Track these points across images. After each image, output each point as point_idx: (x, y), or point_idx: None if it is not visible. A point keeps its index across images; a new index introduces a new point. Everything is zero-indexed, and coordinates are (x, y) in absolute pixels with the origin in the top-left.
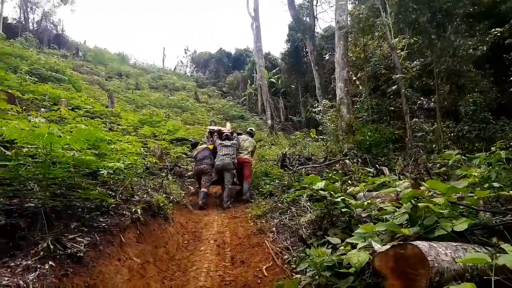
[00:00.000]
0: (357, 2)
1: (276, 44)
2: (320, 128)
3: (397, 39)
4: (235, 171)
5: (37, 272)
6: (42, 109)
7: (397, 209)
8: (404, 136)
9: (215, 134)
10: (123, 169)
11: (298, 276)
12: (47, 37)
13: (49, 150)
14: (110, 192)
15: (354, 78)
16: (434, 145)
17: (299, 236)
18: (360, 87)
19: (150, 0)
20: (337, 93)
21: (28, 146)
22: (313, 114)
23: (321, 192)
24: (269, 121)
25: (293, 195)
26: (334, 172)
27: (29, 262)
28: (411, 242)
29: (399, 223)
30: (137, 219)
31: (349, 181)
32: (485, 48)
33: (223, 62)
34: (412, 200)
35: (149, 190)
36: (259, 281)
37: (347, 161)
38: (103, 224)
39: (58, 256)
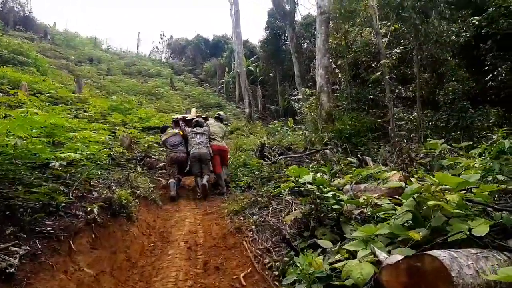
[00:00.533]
0: None
1: (255, 32)
2: (298, 118)
3: (380, 24)
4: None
5: None
6: None
7: (394, 206)
8: (383, 125)
9: (182, 122)
10: (80, 160)
11: None
12: (13, 19)
13: None
14: (63, 189)
15: (334, 66)
16: (413, 134)
17: (282, 236)
18: (340, 75)
19: None
20: (317, 80)
21: None
22: (292, 103)
23: (309, 186)
24: (247, 110)
25: (277, 190)
26: (315, 163)
27: None
28: (429, 253)
29: (401, 223)
30: (93, 220)
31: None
32: (468, 35)
33: (200, 49)
34: (415, 196)
35: (112, 184)
36: None
37: (327, 151)
38: (49, 228)
39: None
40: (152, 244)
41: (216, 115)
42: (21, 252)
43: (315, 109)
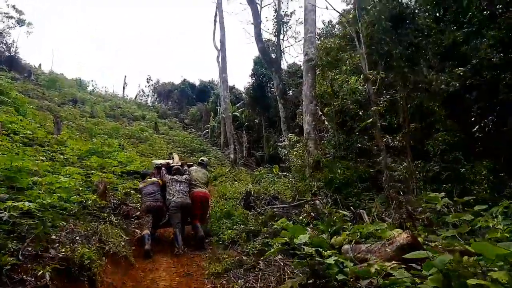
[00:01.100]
0: (323, 38)
1: (241, 78)
2: (284, 164)
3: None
4: None
5: None
6: None
7: (414, 277)
8: (373, 175)
9: (163, 169)
10: (40, 209)
11: None
12: None
13: None
14: (12, 246)
15: (320, 113)
16: (403, 186)
17: None
18: (326, 123)
19: (113, 28)
20: (304, 127)
21: None
22: (278, 149)
23: (306, 248)
24: (232, 155)
25: (267, 253)
26: (304, 215)
27: None
28: None
29: None
30: (45, 287)
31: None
32: (457, 84)
33: (186, 94)
34: (443, 269)
35: (77, 238)
36: None
37: (317, 201)
38: None
39: None
40: None
41: (199, 161)
42: None
43: (301, 156)
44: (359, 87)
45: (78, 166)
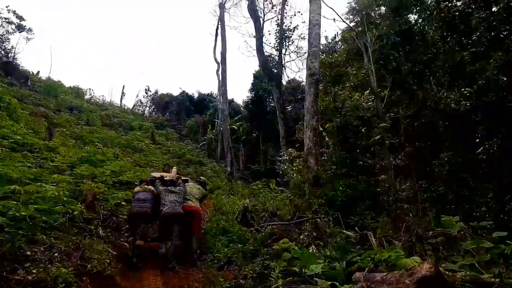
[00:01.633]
0: (325, 54)
1: (240, 92)
2: (280, 179)
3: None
4: None
5: None
6: None
7: None
8: (375, 194)
9: (158, 181)
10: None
11: None
12: None
13: None
14: None
15: (321, 129)
16: (408, 206)
17: None
18: (327, 139)
19: (114, 37)
20: (305, 142)
21: None
22: (275, 164)
23: (320, 281)
24: (229, 168)
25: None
26: (305, 234)
27: None
28: None
29: None
30: None
31: (326, 248)
32: (468, 104)
33: (184, 105)
34: None
35: (56, 255)
36: None
37: (318, 220)
38: None
39: None
40: None
41: (197, 179)
42: None
43: (301, 171)
44: (363, 103)
45: (68, 174)
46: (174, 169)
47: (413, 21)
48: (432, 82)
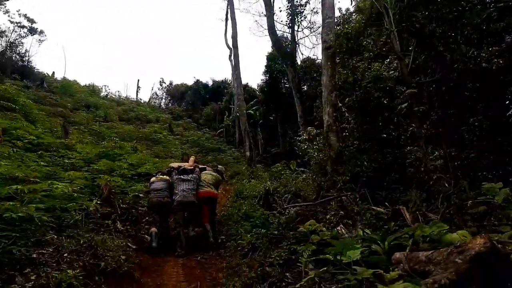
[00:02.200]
0: (340, 26)
1: (254, 76)
2: (302, 160)
3: (390, 60)
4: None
5: None
6: None
7: None
8: (401, 167)
9: (174, 171)
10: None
11: None
12: (11, 68)
13: None
14: None
15: (340, 104)
16: (439, 176)
17: None
18: (347, 114)
19: (125, 34)
20: (325, 119)
21: None
22: (294, 145)
23: (359, 269)
24: (248, 153)
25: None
26: (332, 213)
27: None
28: None
29: None
30: None
31: (355, 226)
32: (501, 62)
33: (200, 94)
34: None
35: (65, 255)
36: None
37: (344, 197)
38: None
39: None
40: None
41: (215, 167)
42: None
43: (322, 150)
44: (384, 73)
45: (85, 170)
46: (192, 158)
47: None
48: (461, 41)
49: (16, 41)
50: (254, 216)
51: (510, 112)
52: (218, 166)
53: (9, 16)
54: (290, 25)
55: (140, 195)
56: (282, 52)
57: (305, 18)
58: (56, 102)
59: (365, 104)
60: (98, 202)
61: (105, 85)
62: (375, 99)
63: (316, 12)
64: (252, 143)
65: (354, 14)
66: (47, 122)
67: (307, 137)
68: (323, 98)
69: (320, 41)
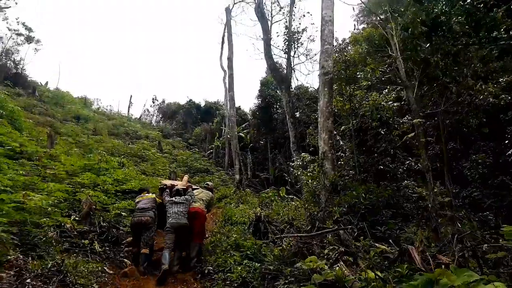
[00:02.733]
0: (337, 53)
1: (246, 100)
2: (291, 187)
3: (388, 90)
4: None
5: None
6: None
7: None
8: (399, 201)
9: (166, 190)
10: None
11: None
12: (4, 74)
13: None
14: None
15: (335, 132)
16: (449, 214)
17: None
18: (341, 142)
19: (121, 48)
20: (320, 145)
21: None
22: (285, 171)
23: None
24: (237, 176)
25: None
26: (330, 248)
27: None
28: None
29: None
30: None
31: (357, 265)
32: (510, 98)
33: (191, 114)
34: None
35: (27, 282)
36: None
37: (341, 231)
38: None
39: None
40: None
41: (204, 184)
42: None
43: (316, 177)
44: (383, 102)
45: (67, 182)
46: (185, 178)
47: (438, 12)
48: (468, 74)
49: (12, 48)
50: (245, 245)
51: (510, 152)
52: (209, 183)
53: (7, 23)
54: (287, 50)
55: (123, 213)
56: (277, 76)
57: (301, 44)
58: (46, 112)
59: (362, 134)
60: (76, 218)
61: (97, 99)
62: (372, 129)
63: (313, 40)
64: (242, 166)
65: (349, 45)
66: (34, 130)
67: (300, 163)
68: (319, 124)
69: (316, 68)
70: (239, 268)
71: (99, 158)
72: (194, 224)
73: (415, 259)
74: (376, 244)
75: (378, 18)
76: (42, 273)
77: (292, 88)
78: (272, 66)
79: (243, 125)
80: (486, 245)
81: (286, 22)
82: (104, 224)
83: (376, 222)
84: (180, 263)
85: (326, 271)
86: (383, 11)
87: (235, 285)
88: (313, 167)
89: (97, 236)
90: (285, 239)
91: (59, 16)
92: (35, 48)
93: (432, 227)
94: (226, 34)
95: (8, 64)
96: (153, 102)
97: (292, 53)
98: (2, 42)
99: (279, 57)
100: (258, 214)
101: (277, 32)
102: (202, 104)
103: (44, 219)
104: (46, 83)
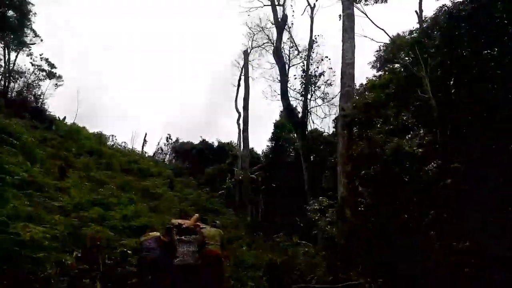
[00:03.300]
0: (357, 95)
1: (258, 142)
2: (304, 233)
3: (412, 136)
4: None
5: None
6: None
7: None
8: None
9: (174, 229)
10: None
11: None
12: (24, 108)
13: None
14: None
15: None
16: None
17: None
18: (360, 188)
19: (137, 86)
20: (339, 190)
21: None
22: (298, 216)
23: None
24: (249, 218)
25: None
26: None
27: None
28: None
29: None
30: None
31: None
32: None
33: (204, 153)
34: None
35: None
36: None
37: (367, 285)
38: None
39: None
40: None
41: (212, 223)
42: None
43: (336, 223)
44: (406, 148)
45: (74, 216)
46: (195, 216)
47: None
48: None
49: (34, 83)
50: None
51: None
52: (216, 221)
53: (31, 58)
54: (303, 93)
55: (129, 252)
56: (293, 118)
57: (318, 88)
58: (60, 146)
59: (384, 179)
60: (79, 255)
61: (112, 135)
62: (395, 175)
63: (330, 84)
64: (253, 209)
65: (366, 91)
66: (47, 163)
67: (318, 208)
68: (338, 168)
69: (332, 112)
70: None
71: (109, 193)
72: (214, 268)
73: None
74: None
75: (406, 58)
76: None
77: (307, 131)
78: (288, 109)
79: (255, 167)
80: None
81: (304, 65)
82: (109, 262)
83: (402, 278)
84: None
85: None
86: (407, 54)
87: None
88: (331, 212)
89: (100, 275)
90: None
91: (80, 50)
92: (56, 83)
93: None
94: (243, 75)
95: (28, 98)
96: (167, 141)
97: (308, 96)
98: (25, 77)
99: (295, 100)
100: (273, 261)
101: (294, 75)
102: (215, 144)
103: (42, 254)
104: (64, 118)
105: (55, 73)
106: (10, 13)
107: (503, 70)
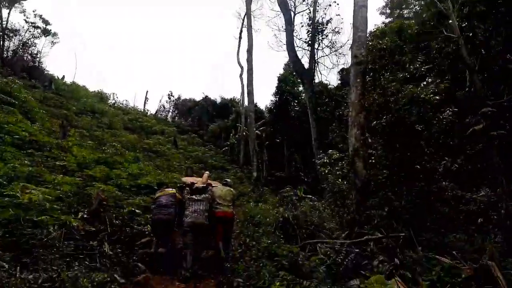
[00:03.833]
0: (371, 39)
1: (261, 97)
2: (308, 186)
3: (427, 83)
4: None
5: None
6: None
7: None
8: (440, 205)
9: (187, 188)
10: None
11: None
12: (21, 67)
13: None
14: None
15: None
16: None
17: None
18: (370, 140)
19: (138, 44)
20: (350, 142)
21: None
22: (302, 169)
23: None
24: (255, 173)
25: None
26: (380, 259)
27: None
28: None
29: None
30: None
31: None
32: None
33: (207, 110)
34: None
35: None
36: None
37: (384, 239)
38: None
39: None
40: None
41: (223, 181)
42: None
43: (347, 177)
44: (422, 95)
45: (78, 175)
46: (205, 174)
47: None
48: None
49: (29, 41)
50: (279, 253)
51: None
52: (227, 180)
53: (24, 15)
54: (310, 42)
55: (137, 211)
56: (299, 69)
57: (326, 36)
58: (61, 105)
59: (396, 130)
60: (85, 216)
61: (113, 93)
62: (409, 125)
63: (338, 32)
64: (259, 164)
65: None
66: (47, 122)
67: (327, 161)
68: (350, 119)
69: (341, 62)
70: (277, 284)
71: (113, 151)
72: (225, 228)
73: (499, 279)
74: (437, 257)
75: None
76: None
77: (315, 81)
78: (294, 59)
79: (259, 123)
80: None
81: (310, 13)
82: (116, 222)
83: (420, 228)
84: (202, 264)
85: None
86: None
87: None
88: (341, 165)
89: (107, 237)
90: (319, 245)
91: (76, 8)
92: (52, 41)
93: (505, 238)
94: (245, 25)
95: (25, 57)
96: (169, 98)
97: (316, 45)
98: (20, 35)
99: (302, 50)
100: (286, 215)
101: (300, 23)
102: (218, 100)
103: (44, 217)
104: (63, 77)
105: (50, 30)
106: None
107: None
